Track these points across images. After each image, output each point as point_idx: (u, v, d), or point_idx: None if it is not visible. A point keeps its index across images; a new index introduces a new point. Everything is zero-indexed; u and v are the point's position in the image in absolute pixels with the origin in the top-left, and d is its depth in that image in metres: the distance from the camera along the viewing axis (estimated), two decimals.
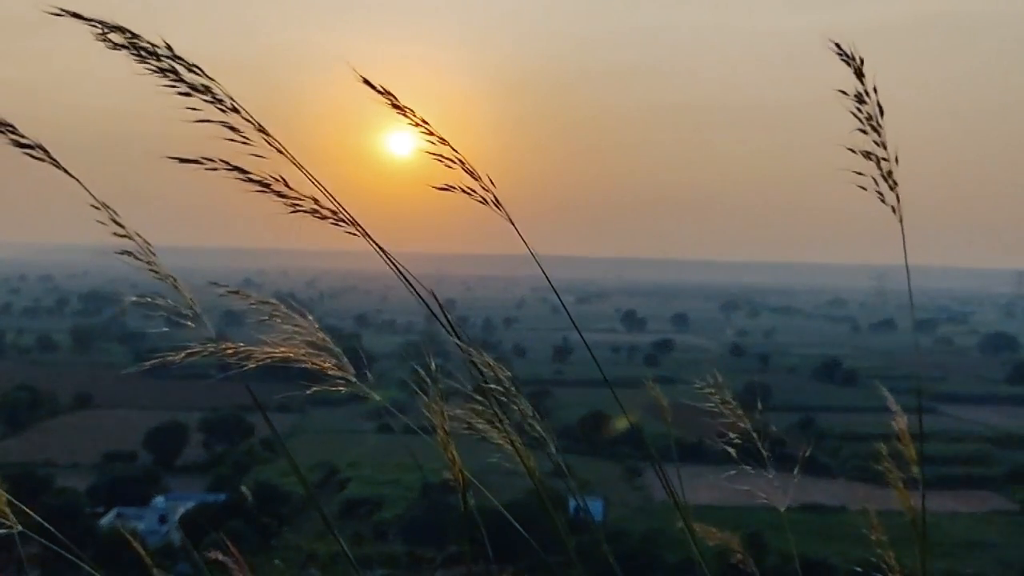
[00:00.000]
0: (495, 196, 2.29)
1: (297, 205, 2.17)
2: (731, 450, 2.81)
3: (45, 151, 2.02)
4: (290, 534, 60.48)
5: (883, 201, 2.38)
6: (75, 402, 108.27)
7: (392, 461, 79.21)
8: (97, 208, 2.07)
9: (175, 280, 2.19)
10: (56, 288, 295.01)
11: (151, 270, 2.15)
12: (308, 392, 2.29)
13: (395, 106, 2.21)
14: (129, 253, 2.13)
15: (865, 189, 2.37)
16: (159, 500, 66.67)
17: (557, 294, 2.62)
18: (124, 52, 2.05)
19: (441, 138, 2.25)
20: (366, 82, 2.16)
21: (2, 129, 2.01)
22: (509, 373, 2.37)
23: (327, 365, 2.30)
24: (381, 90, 2.19)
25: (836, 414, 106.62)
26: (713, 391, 2.94)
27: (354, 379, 2.31)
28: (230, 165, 2.10)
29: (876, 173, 2.39)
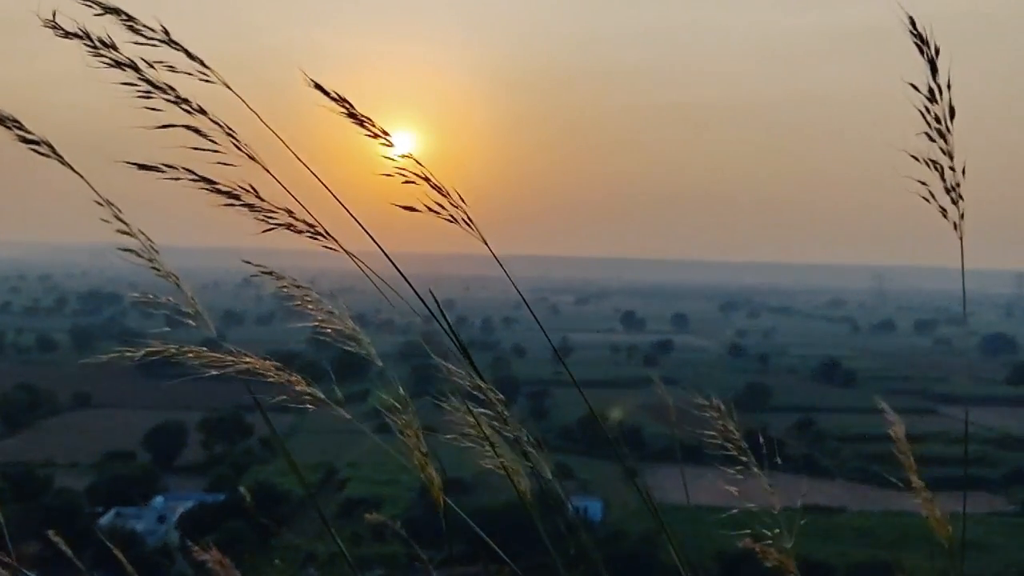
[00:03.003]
0: (467, 215, 2.15)
1: (270, 217, 2.06)
2: (726, 455, 2.75)
3: (51, 147, 1.97)
4: (289, 534, 60.48)
5: (944, 216, 2.17)
6: (74, 401, 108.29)
7: (391, 461, 79.24)
8: (100, 205, 2.01)
9: (177, 278, 2.13)
10: (55, 287, 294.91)
11: (153, 268, 2.09)
12: (272, 400, 2.20)
13: (351, 115, 2.07)
14: (132, 251, 2.07)
15: (928, 200, 2.16)
16: (158, 500, 66.68)
17: (527, 305, 2.54)
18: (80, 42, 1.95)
19: (406, 153, 2.10)
20: (318, 87, 2.04)
21: (8, 124, 1.96)
22: (502, 396, 2.27)
23: (294, 379, 2.19)
24: (336, 97, 2.07)
25: (835, 415, 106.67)
26: (717, 415, 2.76)
27: (321, 395, 2.22)
28: (196, 174, 2.00)
29: (938, 184, 2.17)
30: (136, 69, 1.98)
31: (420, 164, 2.11)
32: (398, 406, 2.28)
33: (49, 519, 49.55)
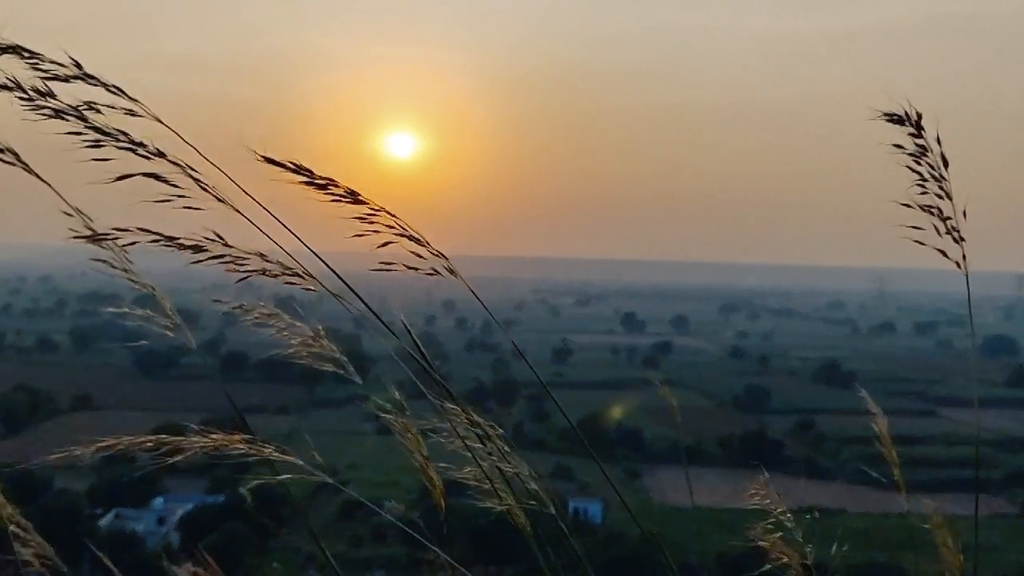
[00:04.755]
0: (449, 265, 2.04)
1: (241, 264, 1.95)
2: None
3: (15, 155, 1.85)
4: (289, 535, 60.44)
5: (946, 256, 2.21)
6: (74, 403, 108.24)
7: (392, 462, 79.23)
8: (69, 215, 1.89)
9: (153, 289, 2.07)
10: (55, 289, 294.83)
11: (128, 279, 2.00)
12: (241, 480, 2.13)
13: (310, 183, 1.93)
14: (105, 261, 1.96)
15: (924, 244, 2.19)
16: (158, 501, 66.70)
17: (496, 321, 2.47)
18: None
19: (377, 207, 1.98)
20: (269, 160, 1.88)
21: None
22: (501, 431, 2.21)
23: (266, 449, 2.04)
24: (293, 168, 1.91)
25: (836, 416, 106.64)
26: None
27: (299, 461, 2.06)
28: (156, 233, 1.87)
29: (939, 226, 2.21)
30: (81, 117, 1.81)
31: (394, 216, 2.00)
32: (395, 409, 2.25)
33: (49, 520, 49.53)
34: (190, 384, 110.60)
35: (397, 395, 2.27)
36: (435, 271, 2.03)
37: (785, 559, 2.52)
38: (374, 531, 64.09)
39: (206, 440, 1.99)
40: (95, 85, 1.82)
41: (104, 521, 60.60)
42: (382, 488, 73.86)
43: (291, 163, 1.92)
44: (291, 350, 2.17)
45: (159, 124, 1.84)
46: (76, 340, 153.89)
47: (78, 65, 1.80)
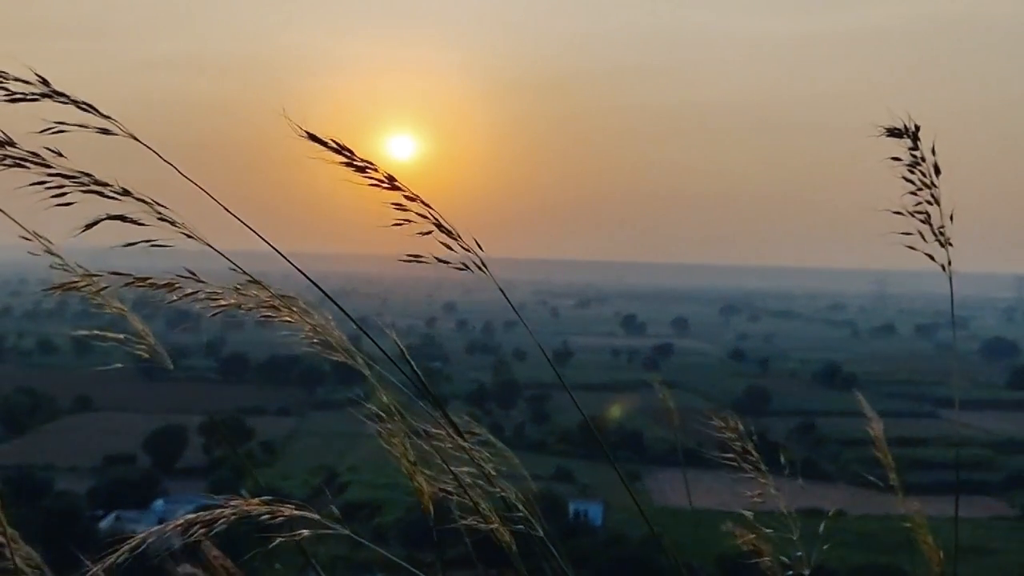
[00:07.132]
0: (481, 261, 2.01)
1: (215, 300, 1.93)
2: (729, 455, 2.74)
3: None
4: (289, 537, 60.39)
5: (933, 259, 2.33)
6: (75, 405, 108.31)
7: (392, 464, 79.25)
8: (28, 240, 1.80)
9: (124, 310, 2.01)
10: None
11: (97, 304, 1.91)
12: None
13: (351, 164, 1.89)
14: (70, 284, 1.85)
15: (914, 249, 2.30)
16: (158, 503, 66.77)
17: (519, 313, 2.47)
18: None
19: (411, 194, 1.93)
20: (312, 137, 1.85)
21: None
22: (488, 455, 2.20)
23: (256, 503, 2.06)
24: (336, 146, 1.87)
25: (836, 418, 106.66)
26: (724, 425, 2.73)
27: (298, 511, 2.07)
28: (132, 276, 1.81)
29: (927, 231, 2.31)
30: (44, 163, 1.72)
31: (429, 206, 1.96)
32: (383, 415, 2.24)
33: (50, 522, 49.55)
34: (190, 386, 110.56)
35: (385, 398, 2.26)
36: (465, 266, 2.00)
37: (766, 558, 2.53)
38: (374, 532, 64.12)
39: (231, 509, 2.01)
40: (65, 103, 1.71)
41: (105, 523, 60.63)
42: (382, 490, 73.89)
43: (333, 141, 1.88)
44: (302, 336, 2.11)
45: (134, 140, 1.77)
46: (76, 342, 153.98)
47: (45, 82, 1.70)
